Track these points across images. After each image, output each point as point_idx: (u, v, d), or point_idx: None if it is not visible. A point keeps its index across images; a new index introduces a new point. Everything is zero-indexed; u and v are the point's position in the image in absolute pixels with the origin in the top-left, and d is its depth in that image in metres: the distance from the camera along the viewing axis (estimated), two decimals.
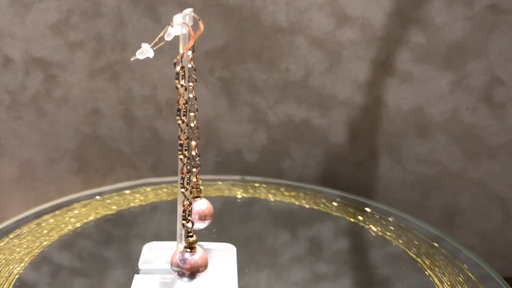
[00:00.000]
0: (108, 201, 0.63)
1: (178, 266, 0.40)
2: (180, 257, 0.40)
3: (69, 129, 0.75)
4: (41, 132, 0.75)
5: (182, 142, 0.40)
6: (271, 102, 0.74)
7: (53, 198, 0.77)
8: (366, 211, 0.62)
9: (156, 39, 0.38)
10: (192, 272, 0.40)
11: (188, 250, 0.40)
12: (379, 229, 0.58)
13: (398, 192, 0.78)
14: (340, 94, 0.73)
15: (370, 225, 0.59)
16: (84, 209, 0.60)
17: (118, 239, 0.55)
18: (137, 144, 0.77)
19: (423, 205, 0.78)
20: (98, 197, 0.63)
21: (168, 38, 0.40)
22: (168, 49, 0.71)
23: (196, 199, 0.46)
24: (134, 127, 0.76)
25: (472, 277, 0.50)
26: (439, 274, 0.50)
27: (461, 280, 0.49)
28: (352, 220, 0.60)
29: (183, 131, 0.40)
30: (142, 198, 0.64)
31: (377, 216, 0.61)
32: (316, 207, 0.63)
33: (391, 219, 0.60)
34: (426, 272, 0.50)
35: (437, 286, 0.48)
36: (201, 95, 0.74)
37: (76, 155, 0.77)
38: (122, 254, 0.52)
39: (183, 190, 0.41)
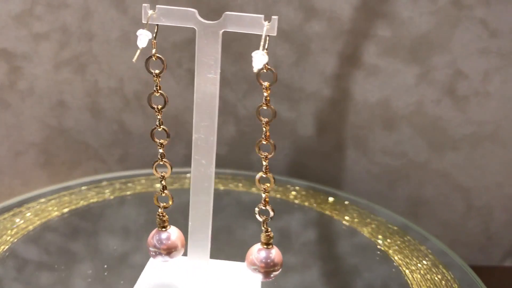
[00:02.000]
0: (75, 194, 0.62)
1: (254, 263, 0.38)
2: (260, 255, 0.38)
3: (34, 121, 0.74)
4: (5, 124, 0.74)
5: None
6: (240, 95, 0.74)
7: (18, 192, 0.76)
8: (334, 201, 0.63)
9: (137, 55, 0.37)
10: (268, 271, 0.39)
11: (265, 246, 0.39)
12: (347, 219, 0.59)
13: (365, 183, 0.79)
14: (308, 87, 0.74)
15: (338, 215, 0.60)
16: (50, 203, 0.59)
17: (86, 232, 0.55)
18: (104, 136, 0.76)
19: (388, 196, 0.80)
20: (64, 191, 0.62)
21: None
22: (135, 41, 0.71)
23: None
24: (101, 119, 0.75)
25: (438, 264, 0.51)
26: (406, 263, 0.51)
27: (428, 267, 0.50)
28: (320, 210, 0.61)
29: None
30: (109, 191, 0.63)
31: (345, 206, 0.62)
32: (284, 198, 0.63)
33: (358, 209, 0.61)
34: (393, 261, 0.52)
35: (405, 274, 0.49)
36: (170, 87, 0.73)
37: (42, 148, 0.76)
38: (89, 248, 0.52)
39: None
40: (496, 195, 0.80)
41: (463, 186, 0.79)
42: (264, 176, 0.38)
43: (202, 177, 0.40)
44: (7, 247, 0.50)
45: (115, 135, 0.76)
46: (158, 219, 0.40)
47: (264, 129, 0.37)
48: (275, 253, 0.38)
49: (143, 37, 0.36)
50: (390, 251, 0.53)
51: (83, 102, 0.73)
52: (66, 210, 0.58)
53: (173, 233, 0.41)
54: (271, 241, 0.39)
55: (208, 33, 0.37)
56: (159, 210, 0.41)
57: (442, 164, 0.78)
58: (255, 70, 0.35)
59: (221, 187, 0.65)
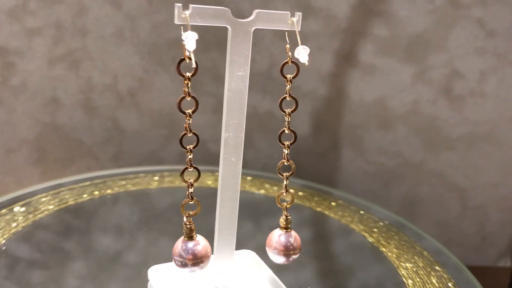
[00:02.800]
0: (68, 192, 0.61)
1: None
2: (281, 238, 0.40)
3: (27, 118, 0.73)
4: None
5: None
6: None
7: (11, 189, 0.75)
8: (329, 200, 0.63)
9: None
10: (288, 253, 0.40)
11: (284, 230, 0.40)
12: (342, 218, 0.59)
13: (360, 182, 0.79)
14: (304, 86, 0.73)
15: (334, 214, 0.60)
16: (43, 200, 0.59)
17: (79, 230, 0.54)
18: (98, 134, 0.75)
19: (384, 195, 0.80)
20: (58, 189, 0.62)
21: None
22: (130, 37, 0.70)
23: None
24: (95, 116, 0.74)
25: (434, 263, 0.51)
26: (401, 262, 0.51)
27: (423, 266, 0.50)
28: (316, 209, 0.61)
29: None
30: (102, 189, 0.62)
31: (341, 205, 0.62)
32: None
33: (354, 208, 0.61)
34: (389, 260, 0.51)
35: (400, 272, 0.49)
36: (165, 85, 0.73)
37: (35, 145, 0.75)
38: (82, 246, 0.51)
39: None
40: (491, 196, 0.79)
41: (458, 186, 0.79)
42: (286, 163, 0.40)
43: (231, 174, 0.40)
44: None
45: (109, 132, 0.75)
46: (185, 228, 0.38)
47: (286, 119, 0.39)
48: (294, 236, 0.40)
49: (191, 39, 0.35)
50: (386, 250, 0.53)
51: (76, 99, 0.73)
52: (58, 207, 0.57)
53: (201, 243, 0.38)
54: (290, 225, 0.40)
55: (240, 32, 0.37)
56: (186, 218, 0.38)
57: (438, 164, 0.78)
58: (306, 63, 0.37)
59: (216, 185, 0.65)
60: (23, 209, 0.56)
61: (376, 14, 0.70)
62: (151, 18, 0.69)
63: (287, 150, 0.39)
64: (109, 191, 0.62)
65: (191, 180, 0.38)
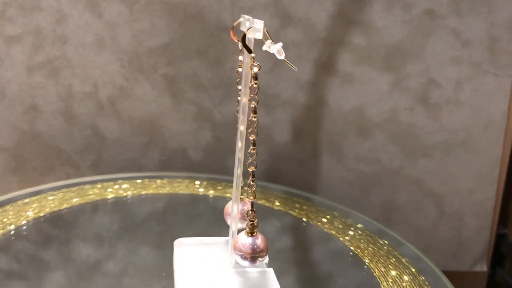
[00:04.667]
0: (47, 200, 0.61)
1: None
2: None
3: (5, 125, 0.73)
4: None
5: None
6: (216, 101, 0.74)
7: None
8: (309, 207, 0.63)
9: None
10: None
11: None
12: (322, 225, 0.59)
13: (339, 189, 0.80)
14: (284, 94, 0.74)
15: (313, 221, 0.60)
16: (21, 209, 0.58)
17: (58, 240, 0.54)
18: (78, 142, 0.75)
19: (362, 202, 0.81)
20: (36, 196, 0.61)
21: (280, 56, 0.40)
22: (110, 45, 0.70)
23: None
24: (75, 124, 0.74)
25: (412, 269, 0.52)
26: (379, 268, 0.52)
27: (401, 273, 0.51)
28: (295, 215, 0.61)
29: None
30: (82, 197, 0.62)
31: (320, 212, 0.62)
32: (260, 203, 0.63)
33: (333, 214, 0.62)
34: (367, 266, 0.52)
35: (378, 279, 0.50)
36: (145, 93, 0.73)
37: (13, 153, 0.74)
38: (61, 256, 0.51)
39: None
40: (467, 202, 0.81)
41: (435, 192, 0.80)
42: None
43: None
44: None
45: (89, 140, 0.75)
46: (249, 225, 0.41)
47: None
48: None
49: (278, 47, 0.40)
50: (364, 257, 0.54)
51: (56, 107, 0.72)
52: (37, 216, 0.57)
53: (261, 240, 0.41)
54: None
55: None
56: (250, 213, 0.41)
57: (415, 170, 0.79)
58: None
59: (196, 192, 0.65)
60: (0, 218, 0.56)
61: (354, 24, 0.71)
62: (131, 26, 0.70)
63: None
64: (89, 199, 0.62)
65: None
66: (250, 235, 0.41)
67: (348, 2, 0.70)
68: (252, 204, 0.41)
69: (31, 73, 0.70)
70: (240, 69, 0.42)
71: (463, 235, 0.83)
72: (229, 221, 0.44)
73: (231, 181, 0.69)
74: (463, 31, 0.72)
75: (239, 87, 0.42)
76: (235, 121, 0.75)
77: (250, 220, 0.41)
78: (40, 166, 0.75)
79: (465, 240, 0.83)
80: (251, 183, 0.41)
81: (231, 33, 0.42)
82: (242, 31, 0.40)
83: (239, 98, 0.42)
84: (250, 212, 0.41)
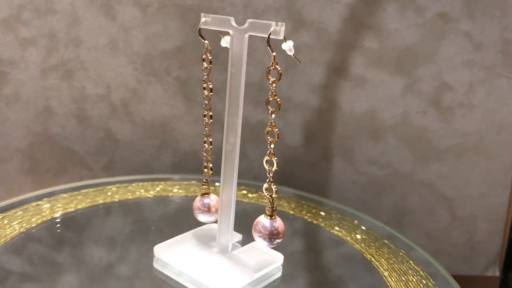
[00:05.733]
0: (60, 202, 0.61)
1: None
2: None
3: (19, 127, 0.73)
4: None
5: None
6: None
7: (2, 198, 0.75)
8: (320, 210, 0.63)
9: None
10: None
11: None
12: (333, 228, 0.59)
13: (350, 192, 0.80)
14: (296, 97, 0.74)
15: (324, 224, 0.60)
16: (34, 210, 0.59)
17: (70, 242, 0.54)
18: (90, 144, 0.75)
19: (374, 205, 0.80)
20: (49, 198, 0.62)
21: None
22: (123, 48, 0.71)
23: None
24: (87, 126, 0.74)
25: (423, 274, 0.52)
26: (391, 272, 0.52)
27: (412, 277, 0.51)
28: (307, 219, 0.61)
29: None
30: (95, 199, 0.63)
31: (331, 215, 0.62)
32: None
33: (344, 218, 0.62)
34: (378, 270, 0.52)
35: (389, 284, 0.50)
36: (157, 95, 0.73)
37: (27, 155, 0.75)
38: (74, 258, 0.51)
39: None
40: (479, 206, 0.81)
41: (447, 196, 0.80)
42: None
43: (231, 151, 0.49)
44: None
45: (101, 142, 0.75)
46: (269, 209, 0.45)
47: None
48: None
49: (290, 44, 0.44)
50: (375, 261, 0.54)
51: (69, 109, 0.73)
52: (50, 217, 0.57)
53: (279, 222, 0.45)
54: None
55: (238, 36, 0.46)
56: (271, 198, 0.45)
57: (427, 174, 0.79)
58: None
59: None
60: (13, 219, 0.56)
61: (367, 27, 0.71)
62: (144, 29, 0.70)
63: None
64: (102, 200, 0.62)
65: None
66: (269, 217, 0.45)
67: (361, 6, 0.70)
68: (276, 191, 0.45)
69: (45, 75, 0.71)
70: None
71: (475, 240, 0.83)
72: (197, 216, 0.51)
73: (242, 184, 0.69)
74: (476, 34, 0.72)
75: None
76: (246, 124, 0.76)
77: (270, 204, 0.45)
78: (53, 168, 0.76)
79: (477, 244, 0.83)
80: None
81: (199, 31, 0.47)
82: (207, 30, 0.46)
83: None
84: (270, 197, 0.45)
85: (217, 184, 0.69)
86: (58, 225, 0.56)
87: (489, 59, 0.73)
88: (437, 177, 0.79)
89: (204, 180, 0.51)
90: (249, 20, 0.44)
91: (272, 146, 0.45)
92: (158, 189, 0.66)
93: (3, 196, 0.76)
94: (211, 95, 0.49)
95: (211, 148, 0.51)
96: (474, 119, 0.76)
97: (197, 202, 0.51)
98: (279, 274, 0.50)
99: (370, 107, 0.75)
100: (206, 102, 0.49)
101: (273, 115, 0.44)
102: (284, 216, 0.62)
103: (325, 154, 0.78)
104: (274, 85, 0.44)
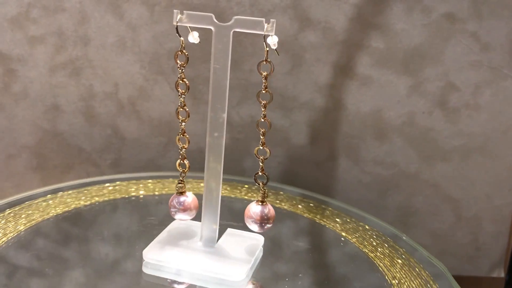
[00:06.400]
0: (67, 198, 0.62)
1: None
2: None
3: (27, 124, 0.74)
4: None
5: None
6: (234, 102, 0.75)
7: (10, 194, 0.76)
8: (325, 210, 0.64)
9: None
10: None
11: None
12: (338, 228, 0.60)
13: (356, 192, 0.80)
14: (301, 96, 0.75)
15: (329, 224, 0.60)
16: (42, 206, 0.59)
17: (77, 238, 0.55)
18: (98, 141, 0.76)
19: (379, 205, 0.81)
20: (57, 194, 0.62)
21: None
22: (131, 46, 0.71)
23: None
24: (95, 124, 0.75)
25: (426, 275, 0.52)
26: (394, 273, 0.52)
27: (415, 278, 0.51)
28: (312, 218, 0.62)
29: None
30: (102, 195, 0.63)
31: (336, 215, 0.63)
32: (276, 206, 0.64)
33: (349, 218, 0.62)
34: (381, 270, 0.52)
35: (392, 284, 0.50)
36: (164, 94, 0.74)
37: (35, 151, 0.76)
38: (81, 254, 0.52)
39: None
40: (485, 207, 0.80)
41: (452, 197, 0.80)
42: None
43: (215, 146, 0.50)
44: None
45: (109, 139, 0.76)
46: (261, 195, 0.49)
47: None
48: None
49: (276, 40, 0.46)
50: (379, 261, 0.54)
51: (77, 106, 0.74)
52: (57, 213, 0.58)
53: (269, 208, 0.49)
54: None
55: (222, 33, 0.47)
56: (179, 179, 0.50)
57: (432, 174, 0.79)
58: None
59: None
60: (21, 214, 0.57)
61: (373, 27, 0.71)
62: (152, 28, 0.70)
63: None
64: (108, 197, 0.63)
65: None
66: (261, 204, 0.48)
67: (367, 5, 0.70)
68: (267, 180, 0.48)
69: (53, 73, 0.72)
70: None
71: (481, 240, 0.83)
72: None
73: (248, 182, 0.69)
74: (483, 35, 0.72)
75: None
76: (252, 123, 0.76)
77: (262, 192, 0.48)
78: (61, 165, 0.77)
79: (482, 245, 0.83)
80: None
81: (176, 29, 0.48)
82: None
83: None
84: (262, 184, 0.48)
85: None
86: (65, 221, 0.57)
87: (496, 60, 0.73)
88: (443, 177, 0.79)
89: (181, 179, 0.51)
90: (235, 17, 0.46)
91: (263, 136, 0.48)
92: (164, 186, 0.67)
93: (12, 192, 0.77)
94: (186, 93, 0.50)
95: (186, 147, 0.51)
96: (480, 120, 0.76)
97: (173, 201, 0.51)
98: (261, 254, 0.53)
99: (376, 107, 0.75)
100: (181, 99, 0.49)
101: (264, 108, 0.47)
102: (288, 215, 0.62)
103: (330, 154, 0.78)
104: (265, 79, 0.47)
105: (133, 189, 0.65)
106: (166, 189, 0.66)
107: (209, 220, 0.50)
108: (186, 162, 0.50)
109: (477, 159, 0.78)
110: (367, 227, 0.60)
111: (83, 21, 0.70)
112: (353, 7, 0.70)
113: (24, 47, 0.70)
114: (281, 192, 0.67)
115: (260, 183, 0.48)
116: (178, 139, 0.50)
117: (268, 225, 0.48)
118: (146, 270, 0.49)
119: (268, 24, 0.45)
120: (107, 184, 0.66)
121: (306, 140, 0.77)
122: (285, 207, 0.64)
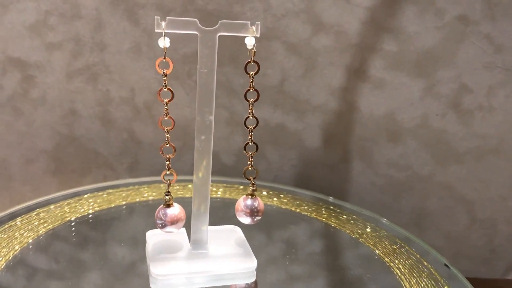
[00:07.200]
0: (85, 202, 0.63)
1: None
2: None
3: (45, 129, 0.75)
4: (18, 132, 0.75)
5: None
6: (248, 106, 0.75)
7: (29, 198, 0.77)
8: (339, 212, 0.64)
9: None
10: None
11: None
12: (352, 230, 0.60)
13: (369, 195, 0.80)
14: (315, 99, 0.75)
15: (343, 227, 0.61)
16: (60, 210, 0.60)
17: (95, 241, 0.56)
18: (114, 145, 0.77)
19: (393, 207, 0.81)
20: (74, 198, 0.63)
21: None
22: (146, 52, 0.72)
23: None
24: (112, 128, 0.76)
25: (439, 278, 0.52)
26: (407, 275, 0.52)
27: (429, 281, 0.51)
28: (325, 221, 0.62)
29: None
30: (118, 199, 0.64)
31: (350, 217, 0.63)
32: (291, 208, 0.64)
33: (362, 221, 0.62)
34: (395, 273, 0.52)
35: (405, 287, 0.50)
36: (179, 98, 0.75)
37: (53, 156, 0.77)
38: (98, 257, 0.53)
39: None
40: (499, 208, 0.80)
41: (466, 199, 0.80)
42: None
43: (203, 150, 0.50)
44: (14, 253, 0.52)
45: (125, 143, 0.77)
46: (250, 190, 0.50)
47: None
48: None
49: (253, 42, 0.47)
50: (392, 264, 0.54)
51: (94, 111, 0.75)
52: (75, 217, 0.59)
53: (259, 201, 0.50)
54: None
55: (208, 37, 0.46)
56: (167, 192, 0.50)
57: (446, 177, 0.79)
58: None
59: (228, 196, 0.66)
60: (40, 218, 0.58)
61: (386, 30, 0.72)
62: (167, 33, 0.71)
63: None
64: (125, 201, 0.64)
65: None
66: (250, 197, 0.50)
67: (380, 9, 0.71)
68: (257, 173, 0.50)
69: (70, 78, 0.73)
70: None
71: (495, 242, 0.82)
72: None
73: (262, 186, 0.70)
74: (497, 37, 0.72)
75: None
76: (266, 126, 0.77)
77: (252, 186, 0.50)
78: (78, 169, 0.78)
79: (497, 247, 0.83)
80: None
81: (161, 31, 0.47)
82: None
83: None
84: (251, 179, 0.49)
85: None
86: (83, 224, 0.58)
87: (509, 61, 0.73)
88: (457, 179, 0.79)
89: (168, 190, 0.50)
90: (221, 21, 0.46)
91: (251, 133, 0.50)
92: (178, 188, 0.67)
93: (30, 196, 0.78)
94: (170, 102, 0.50)
95: (172, 156, 0.50)
96: (494, 121, 0.76)
97: (159, 213, 0.49)
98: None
99: (389, 110, 0.75)
100: (165, 108, 0.49)
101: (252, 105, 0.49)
102: (302, 218, 0.63)
103: (344, 156, 0.78)
104: (252, 78, 0.48)
105: (149, 193, 0.66)
106: (181, 193, 0.67)
107: (198, 224, 0.51)
108: (173, 171, 0.50)
109: (491, 161, 0.78)
110: (381, 229, 0.61)
111: (99, 27, 0.71)
112: (365, 11, 0.71)
113: (42, 54, 0.72)
114: (295, 196, 0.68)
115: (250, 178, 0.50)
116: (161, 122, 0.50)
117: (258, 218, 0.50)
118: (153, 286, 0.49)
119: (254, 26, 0.46)
120: (124, 188, 0.67)
121: (320, 143, 0.78)
122: (299, 210, 0.64)
